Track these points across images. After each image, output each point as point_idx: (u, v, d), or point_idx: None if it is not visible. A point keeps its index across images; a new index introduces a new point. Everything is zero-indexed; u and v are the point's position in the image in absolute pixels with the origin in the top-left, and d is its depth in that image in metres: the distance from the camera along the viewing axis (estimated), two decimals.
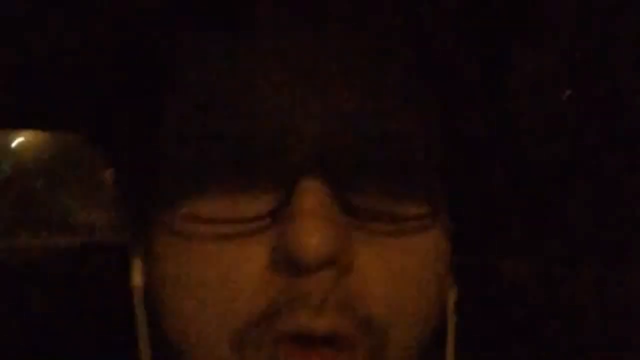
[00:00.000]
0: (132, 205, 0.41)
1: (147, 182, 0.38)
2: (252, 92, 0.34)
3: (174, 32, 0.37)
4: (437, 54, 0.38)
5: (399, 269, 0.35)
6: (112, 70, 0.39)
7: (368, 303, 0.34)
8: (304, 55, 0.34)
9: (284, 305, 0.33)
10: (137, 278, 0.40)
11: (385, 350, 0.35)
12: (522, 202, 0.66)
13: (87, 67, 0.42)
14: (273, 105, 0.34)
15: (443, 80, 0.38)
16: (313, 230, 0.32)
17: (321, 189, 0.33)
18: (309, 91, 0.34)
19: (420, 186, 0.36)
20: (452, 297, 0.41)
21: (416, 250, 0.36)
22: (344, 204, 0.34)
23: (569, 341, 0.62)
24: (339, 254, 0.33)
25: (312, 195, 0.33)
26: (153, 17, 0.36)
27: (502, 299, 0.63)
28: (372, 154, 0.34)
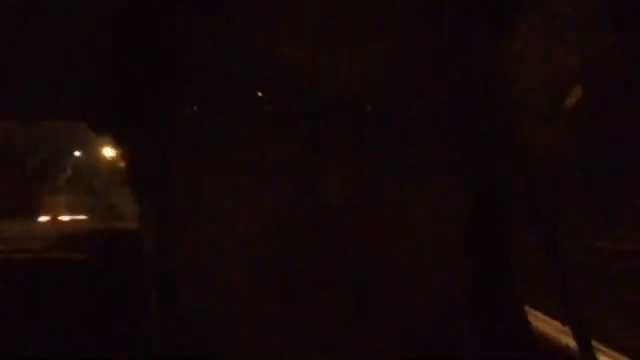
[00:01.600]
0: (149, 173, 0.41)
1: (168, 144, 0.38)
2: (276, 47, 0.35)
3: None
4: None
5: (420, 217, 0.36)
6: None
7: (390, 247, 0.35)
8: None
9: (307, 246, 0.34)
10: (149, 242, 0.41)
11: (412, 297, 0.36)
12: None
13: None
14: (298, 58, 0.35)
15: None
16: (339, 176, 0.33)
17: (351, 134, 0.34)
18: (329, 44, 0.35)
19: (436, 137, 0.37)
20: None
21: (437, 198, 0.37)
22: (373, 149, 0.35)
23: None
24: (364, 200, 0.34)
25: (342, 139, 0.34)
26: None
27: None
28: (396, 104, 0.35)
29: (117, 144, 0.42)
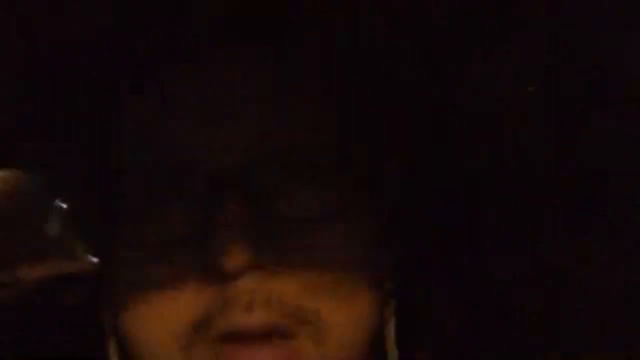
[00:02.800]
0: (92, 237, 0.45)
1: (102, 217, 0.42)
2: (174, 120, 0.38)
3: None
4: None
5: (325, 263, 0.38)
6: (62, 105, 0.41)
7: (301, 296, 0.37)
8: (224, 82, 0.39)
9: (217, 309, 0.37)
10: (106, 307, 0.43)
11: (328, 343, 0.38)
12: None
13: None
14: (192, 128, 0.38)
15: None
16: (230, 241, 0.35)
17: (239, 200, 0.36)
18: (224, 115, 0.38)
19: (332, 187, 0.39)
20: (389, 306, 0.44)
21: (347, 244, 0.39)
22: (266, 210, 0.37)
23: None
24: (259, 259, 0.36)
25: (230, 206, 0.36)
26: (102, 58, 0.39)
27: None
28: (285, 162, 0.38)
29: None
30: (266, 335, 0.37)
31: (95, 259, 0.46)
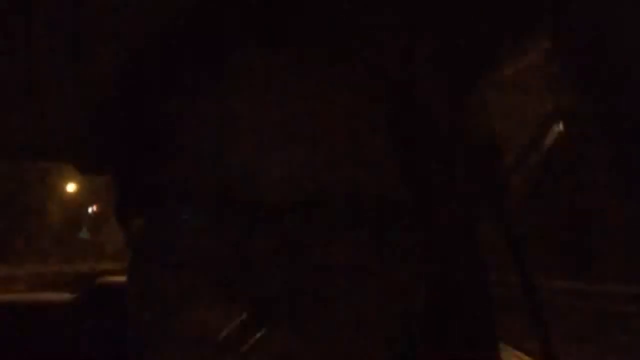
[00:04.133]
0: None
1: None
2: (229, 146, 0.36)
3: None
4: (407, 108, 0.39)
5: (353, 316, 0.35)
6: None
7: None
8: (276, 112, 0.37)
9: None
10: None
11: None
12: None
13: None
14: (242, 159, 0.36)
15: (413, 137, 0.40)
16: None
17: (273, 235, 0.34)
18: (271, 147, 0.36)
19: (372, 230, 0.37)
20: None
21: (370, 298, 0.36)
22: (299, 251, 0.35)
23: None
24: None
25: (270, 243, 0.34)
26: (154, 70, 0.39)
27: None
28: (325, 202, 0.36)
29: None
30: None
31: None
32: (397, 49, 0.40)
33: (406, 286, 0.37)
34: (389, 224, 0.36)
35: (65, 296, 1.35)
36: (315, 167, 0.36)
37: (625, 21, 0.48)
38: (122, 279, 0.52)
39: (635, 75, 0.48)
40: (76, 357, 1.18)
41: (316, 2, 0.39)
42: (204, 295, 0.35)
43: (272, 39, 0.38)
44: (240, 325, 0.34)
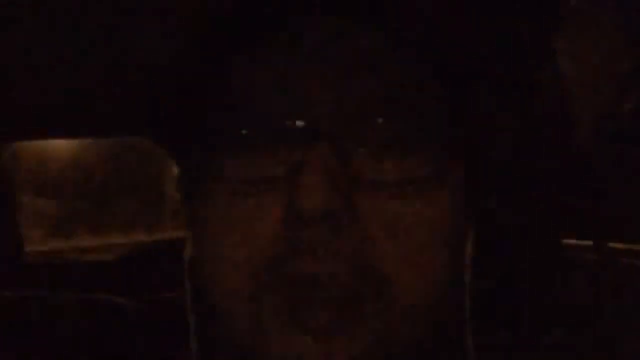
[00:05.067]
0: (185, 181, 0.47)
1: (195, 159, 0.45)
2: (280, 84, 0.41)
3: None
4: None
5: (402, 228, 0.39)
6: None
7: (369, 255, 0.38)
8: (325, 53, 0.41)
9: (292, 253, 0.38)
10: (188, 250, 0.45)
11: (392, 305, 0.39)
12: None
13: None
14: (293, 92, 0.41)
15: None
16: (315, 188, 0.37)
17: (327, 154, 0.39)
18: (320, 81, 0.41)
19: (423, 151, 0.40)
20: (468, 266, 0.44)
21: (419, 212, 0.40)
22: (348, 167, 0.39)
23: None
24: (339, 209, 0.38)
25: (318, 159, 0.38)
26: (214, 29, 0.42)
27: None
28: (373, 123, 0.40)
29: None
30: (332, 298, 0.38)
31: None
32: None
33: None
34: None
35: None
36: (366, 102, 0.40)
37: None
38: None
39: None
40: None
41: None
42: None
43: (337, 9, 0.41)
44: None
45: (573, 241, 0.80)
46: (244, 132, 0.41)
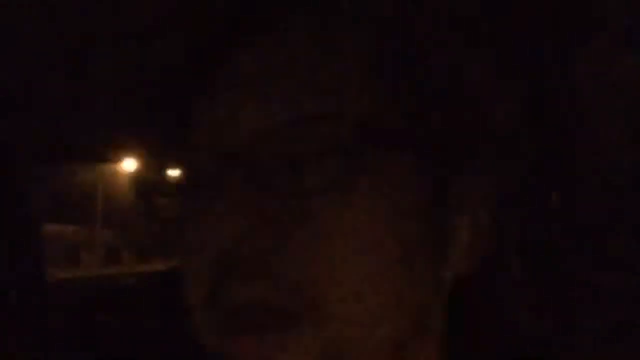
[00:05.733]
0: None
1: None
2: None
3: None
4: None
5: (331, 240, 0.37)
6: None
7: (299, 274, 0.37)
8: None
9: (227, 278, 0.38)
10: None
11: (328, 324, 0.37)
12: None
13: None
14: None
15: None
16: (230, 219, 0.37)
17: (245, 178, 0.38)
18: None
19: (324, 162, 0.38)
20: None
21: (346, 221, 0.38)
22: (268, 188, 0.38)
23: None
24: (260, 234, 0.37)
25: (237, 185, 0.38)
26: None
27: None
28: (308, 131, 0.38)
29: None
30: (267, 313, 0.37)
31: None
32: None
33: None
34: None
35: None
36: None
37: None
38: None
39: None
40: None
41: None
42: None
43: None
44: None
45: None
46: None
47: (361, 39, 0.40)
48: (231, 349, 0.38)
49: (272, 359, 0.37)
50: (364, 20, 0.40)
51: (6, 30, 0.48)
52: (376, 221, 0.38)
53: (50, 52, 0.51)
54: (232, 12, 0.41)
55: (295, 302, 0.37)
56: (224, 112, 0.40)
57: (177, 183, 0.45)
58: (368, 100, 0.39)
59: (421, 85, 0.40)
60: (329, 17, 0.41)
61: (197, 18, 0.42)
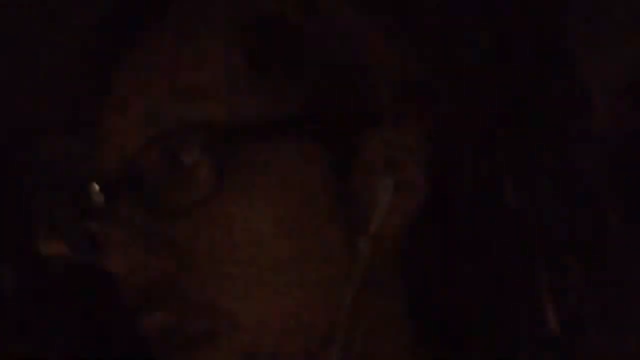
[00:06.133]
0: None
1: None
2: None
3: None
4: None
5: (221, 254, 0.37)
6: None
7: (205, 295, 0.37)
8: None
9: (143, 304, 0.38)
10: None
11: (240, 329, 0.37)
12: None
13: None
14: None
15: None
16: (116, 252, 0.37)
17: (131, 209, 0.38)
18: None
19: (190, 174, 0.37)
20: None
21: (228, 232, 0.37)
22: (156, 213, 0.38)
23: None
24: (151, 263, 0.37)
25: (124, 215, 0.38)
26: None
27: None
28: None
29: None
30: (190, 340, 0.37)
31: None
32: None
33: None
34: None
35: None
36: None
37: None
38: None
39: None
40: None
41: None
42: None
43: None
44: None
45: None
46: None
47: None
48: None
49: None
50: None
51: None
52: (266, 221, 0.37)
53: None
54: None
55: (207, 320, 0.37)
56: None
57: None
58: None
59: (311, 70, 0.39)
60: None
61: None
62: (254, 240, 0.37)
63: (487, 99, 0.40)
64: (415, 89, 0.39)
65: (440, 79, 0.39)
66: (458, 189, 0.39)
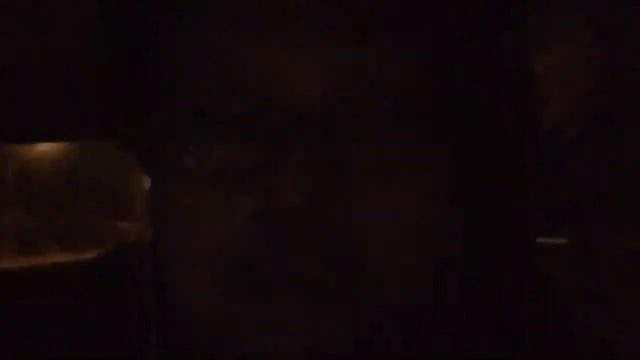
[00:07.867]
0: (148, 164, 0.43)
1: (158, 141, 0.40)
2: (245, 57, 0.36)
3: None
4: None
5: (388, 216, 0.36)
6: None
7: (352, 248, 0.36)
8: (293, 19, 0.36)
9: (267, 253, 0.35)
10: (149, 253, 0.43)
11: (375, 298, 0.37)
12: None
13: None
14: (262, 69, 0.36)
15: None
16: (297, 186, 0.34)
17: (313, 142, 0.35)
18: (289, 56, 0.36)
19: (404, 135, 0.37)
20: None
21: (403, 197, 0.37)
22: (334, 155, 0.36)
23: None
24: (322, 204, 0.35)
25: (302, 150, 0.35)
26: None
27: None
28: (349, 107, 0.36)
29: None
30: (317, 292, 0.36)
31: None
32: None
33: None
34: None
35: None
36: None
37: None
38: None
39: None
40: None
41: None
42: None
43: None
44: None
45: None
46: (199, 115, 0.36)
47: None
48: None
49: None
50: None
51: None
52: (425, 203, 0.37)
53: None
54: None
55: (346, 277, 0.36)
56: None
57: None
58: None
59: None
60: None
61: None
62: (419, 214, 0.37)
63: None
64: None
65: None
66: None
